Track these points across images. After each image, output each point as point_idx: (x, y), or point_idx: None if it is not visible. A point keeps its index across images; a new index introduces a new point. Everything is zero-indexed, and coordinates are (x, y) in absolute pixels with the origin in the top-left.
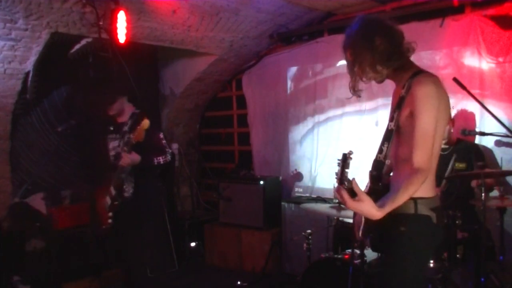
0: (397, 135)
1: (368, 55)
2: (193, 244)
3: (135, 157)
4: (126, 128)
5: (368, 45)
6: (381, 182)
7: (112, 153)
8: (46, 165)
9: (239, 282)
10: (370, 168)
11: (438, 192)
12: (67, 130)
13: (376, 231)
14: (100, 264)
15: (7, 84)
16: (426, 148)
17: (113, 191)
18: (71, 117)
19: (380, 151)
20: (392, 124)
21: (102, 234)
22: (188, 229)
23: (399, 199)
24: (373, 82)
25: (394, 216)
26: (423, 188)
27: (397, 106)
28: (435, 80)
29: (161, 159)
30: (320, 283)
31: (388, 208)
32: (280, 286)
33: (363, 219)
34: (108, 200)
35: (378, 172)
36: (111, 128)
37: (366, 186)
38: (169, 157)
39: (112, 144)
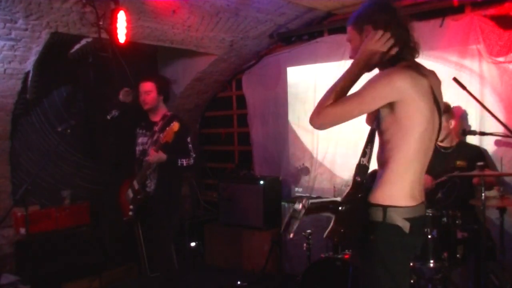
0: (380, 135)
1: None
2: (193, 244)
3: (162, 156)
4: (156, 128)
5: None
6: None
7: (139, 148)
8: (46, 165)
9: (239, 282)
10: (353, 173)
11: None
12: (67, 130)
13: (344, 236)
14: (100, 264)
15: (7, 84)
16: (346, 105)
17: (136, 185)
18: (71, 117)
19: (364, 154)
20: (375, 123)
21: (126, 224)
22: (188, 229)
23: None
24: None
25: (366, 223)
26: (396, 196)
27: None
28: (407, 70)
29: (184, 162)
30: (320, 283)
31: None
32: (280, 286)
33: (332, 222)
34: (130, 193)
35: (362, 177)
36: (143, 124)
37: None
38: (192, 161)
39: (141, 140)
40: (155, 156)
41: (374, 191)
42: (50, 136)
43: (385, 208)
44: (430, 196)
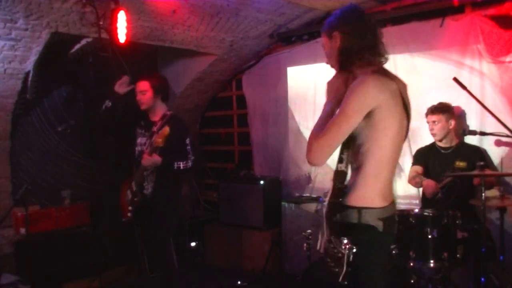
0: (353, 140)
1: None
2: (193, 244)
3: (156, 159)
4: (155, 129)
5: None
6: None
7: (138, 148)
8: (46, 165)
9: (239, 282)
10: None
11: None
12: (67, 130)
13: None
14: (100, 264)
15: (7, 84)
16: (334, 133)
17: (133, 187)
18: (71, 117)
19: (340, 160)
20: None
21: (125, 224)
22: (188, 229)
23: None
24: None
25: (341, 225)
26: (369, 198)
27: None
28: (376, 76)
29: (181, 165)
30: (320, 283)
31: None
32: (280, 286)
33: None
34: (129, 194)
35: (341, 184)
36: (142, 123)
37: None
38: (190, 164)
39: (140, 140)
40: (149, 160)
41: (349, 194)
42: (50, 136)
43: (359, 209)
44: (430, 196)
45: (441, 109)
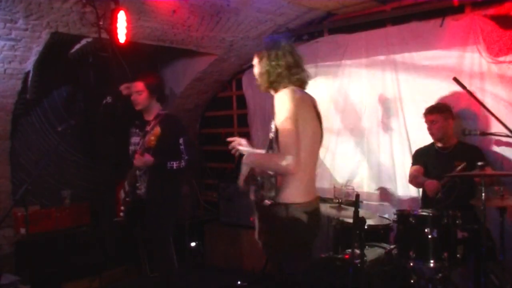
0: (276, 143)
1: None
2: (193, 244)
3: (148, 160)
4: (148, 128)
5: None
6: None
7: (131, 147)
8: (46, 165)
9: (239, 282)
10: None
11: (432, 190)
12: (67, 130)
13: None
14: (100, 264)
15: (7, 84)
16: (291, 152)
17: (126, 187)
18: (71, 117)
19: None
20: (272, 133)
21: (117, 225)
22: (188, 229)
23: (256, 163)
24: (376, 81)
25: (272, 218)
26: (295, 195)
27: (274, 117)
28: (293, 89)
29: (174, 164)
30: (320, 283)
31: (247, 160)
32: (280, 286)
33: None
34: (122, 194)
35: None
36: (137, 122)
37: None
38: (183, 164)
39: (134, 140)
40: (140, 160)
41: (278, 194)
42: (50, 136)
43: (287, 205)
44: (432, 195)
45: (439, 109)
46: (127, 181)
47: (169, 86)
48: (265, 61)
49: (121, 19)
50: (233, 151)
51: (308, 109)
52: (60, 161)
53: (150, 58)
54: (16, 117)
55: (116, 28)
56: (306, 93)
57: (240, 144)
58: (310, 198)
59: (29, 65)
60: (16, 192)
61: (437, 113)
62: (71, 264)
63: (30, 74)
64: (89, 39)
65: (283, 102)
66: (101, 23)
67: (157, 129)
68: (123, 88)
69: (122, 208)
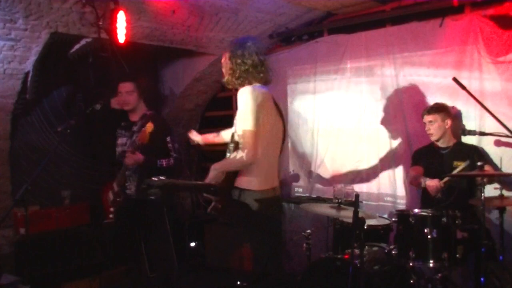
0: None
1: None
2: (193, 244)
3: (139, 158)
4: (135, 128)
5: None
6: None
7: (119, 149)
8: (46, 165)
9: (239, 282)
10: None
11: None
12: (67, 130)
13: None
14: (100, 264)
15: (7, 84)
16: (248, 143)
17: (116, 187)
18: (71, 117)
19: (228, 151)
20: (234, 127)
21: (104, 228)
22: (188, 229)
23: (222, 168)
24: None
25: (230, 200)
26: (251, 182)
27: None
28: (254, 86)
29: (164, 162)
30: (320, 283)
31: (214, 169)
32: (280, 286)
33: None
34: (111, 195)
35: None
36: (123, 124)
37: None
38: (172, 161)
39: (121, 141)
40: (131, 158)
41: (237, 178)
42: (50, 136)
43: (241, 190)
44: (434, 194)
45: (437, 109)
46: (116, 182)
47: (169, 86)
48: (231, 59)
49: (121, 19)
50: (190, 141)
51: (267, 105)
52: (60, 161)
53: (149, 58)
54: (16, 117)
55: (115, 28)
56: (266, 90)
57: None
58: (267, 187)
59: (28, 65)
60: (16, 192)
61: (435, 113)
62: (71, 264)
63: (30, 74)
64: (89, 39)
65: (243, 98)
66: (100, 23)
67: (151, 125)
68: (114, 103)
69: (112, 209)
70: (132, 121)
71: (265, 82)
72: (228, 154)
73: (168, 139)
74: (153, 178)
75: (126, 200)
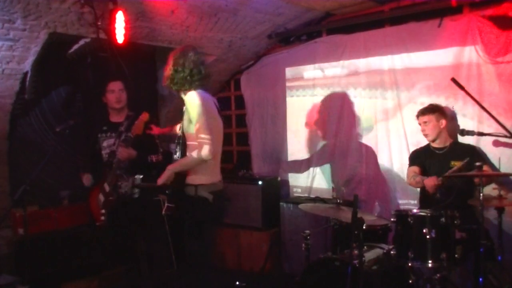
0: (183, 138)
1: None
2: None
3: (132, 152)
4: (122, 128)
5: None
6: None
7: (106, 150)
8: (44, 165)
9: (237, 282)
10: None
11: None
12: (65, 130)
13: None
14: (100, 264)
15: (5, 85)
16: (207, 140)
17: (107, 188)
18: (69, 117)
19: (175, 153)
20: (180, 131)
21: (98, 231)
22: (188, 229)
23: (178, 168)
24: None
25: (185, 197)
26: (202, 177)
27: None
28: (199, 91)
29: (153, 158)
30: (319, 283)
31: (169, 170)
32: (279, 286)
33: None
34: (101, 197)
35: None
36: (104, 128)
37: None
38: (161, 157)
39: (107, 142)
40: (125, 151)
41: (188, 176)
42: (49, 136)
43: (196, 186)
44: (433, 191)
45: (431, 110)
46: (107, 182)
47: None
48: (171, 66)
49: (120, 19)
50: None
51: (212, 108)
52: (58, 161)
53: (148, 58)
54: (15, 117)
55: (114, 28)
56: (208, 95)
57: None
58: (215, 180)
59: (27, 66)
60: (15, 192)
61: (429, 113)
62: (70, 265)
63: (28, 75)
64: (88, 39)
65: (195, 102)
66: (99, 23)
67: (146, 114)
68: (108, 101)
69: (103, 211)
70: (116, 122)
71: (203, 88)
72: (176, 156)
73: (155, 135)
74: (135, 177)
75: (119, 200)
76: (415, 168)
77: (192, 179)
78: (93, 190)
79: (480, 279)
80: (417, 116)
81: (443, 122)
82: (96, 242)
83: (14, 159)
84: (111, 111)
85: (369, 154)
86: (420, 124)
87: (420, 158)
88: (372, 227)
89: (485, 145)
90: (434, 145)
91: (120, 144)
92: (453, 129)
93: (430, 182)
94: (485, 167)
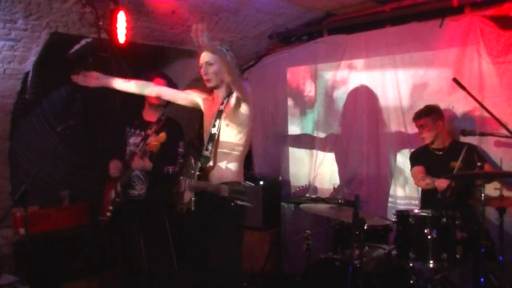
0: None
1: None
2: None
3: (147, 164)
4: (150, 132)
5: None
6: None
7: (130, 148)
8: (45, 165)
9: None
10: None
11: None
12: (66, 130)
13: None
14: (100, 264)
15: (6, 84)
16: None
17: (118, 187)
18: (70, 117)
19: (206, 149)
20: (215, 129)
21: (100, 225)
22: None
23: None
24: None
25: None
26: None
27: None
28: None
29: (170, 169)
30: (320, 283)
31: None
32: (279, 286)
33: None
34: (112, 194)
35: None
36: (136, 123)
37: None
38: (177, 168)
39: (134, 140)
40: (139, 163)
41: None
42: (50, 136)
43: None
44: (429, 196)
45: (426, 112)
46: (120, 182)
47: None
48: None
49: (121, 19)
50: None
51: (210, 110)
52: (59, 161)
53: (150, 58)
54: (16, 117)
55: (115, 28)
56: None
57: None
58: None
59: (28, 65)
60: (15, 192)
61: (425, 116)
62: (70, 265)
63: (30, 75)
64: (89, 40)
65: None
66: (100, 23)
67: (163, 135)
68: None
69: (110, 208)
70: (147, 121)
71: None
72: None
73: (180, 144)
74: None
75: (128, 202)
76: (421, 168)
77: (240, 176)
78: (110, 182)
79: (481, 279)
80: (414, 120)
81: (440, 123)
82: (96, 242)
83: (15, 159)
84: (147, 107)
85: (370, 154)
86: (416, 128)
87: (421, 158)
88: (373, 227)
89: (487, 145)
90: (433, 146)
91: (137, 152)
92: (452, 128)
93: (443, 184)
94: (486, 166)
